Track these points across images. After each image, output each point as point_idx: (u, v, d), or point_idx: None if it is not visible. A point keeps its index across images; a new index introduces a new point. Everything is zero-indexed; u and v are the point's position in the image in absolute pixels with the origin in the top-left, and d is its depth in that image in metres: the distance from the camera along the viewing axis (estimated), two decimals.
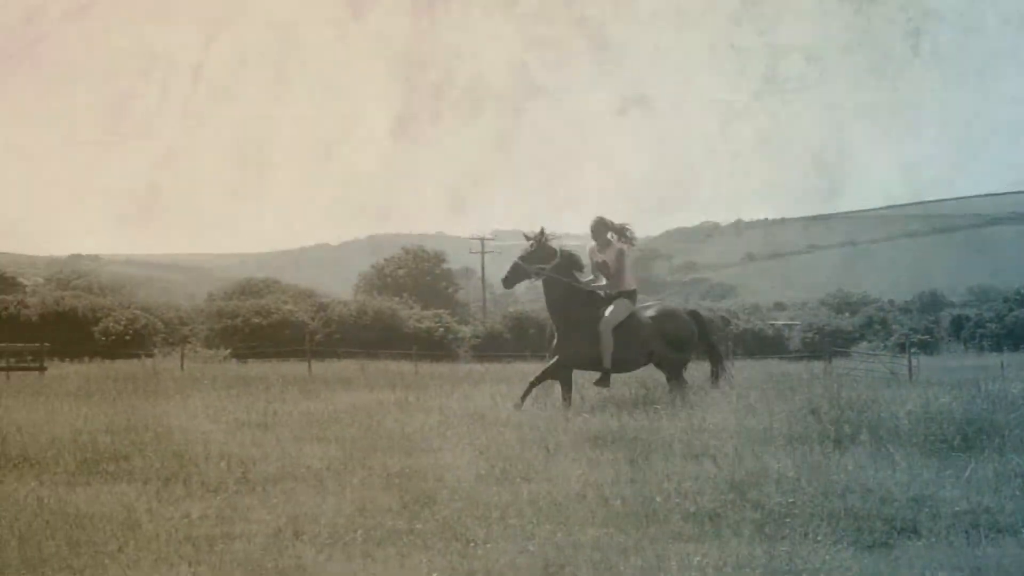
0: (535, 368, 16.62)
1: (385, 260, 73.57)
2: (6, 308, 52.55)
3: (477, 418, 13.37)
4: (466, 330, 59.28)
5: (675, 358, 15.78)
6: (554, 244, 15.74)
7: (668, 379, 15.74)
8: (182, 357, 35.42)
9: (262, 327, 53.23)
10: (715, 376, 16.15)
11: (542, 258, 15.60)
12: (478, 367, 28.22)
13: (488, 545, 7.50)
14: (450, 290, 73.87)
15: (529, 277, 15.78)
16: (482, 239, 73.74)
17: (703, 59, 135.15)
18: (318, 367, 32.43)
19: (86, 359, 39.65)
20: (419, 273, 71.60)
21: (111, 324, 52.10)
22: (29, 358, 37.56)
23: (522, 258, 15.68)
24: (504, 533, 7.83)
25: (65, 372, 31.28)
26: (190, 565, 7.03)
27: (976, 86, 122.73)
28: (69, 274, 76.37)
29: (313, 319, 55.83)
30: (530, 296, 58.11)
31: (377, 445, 11.52)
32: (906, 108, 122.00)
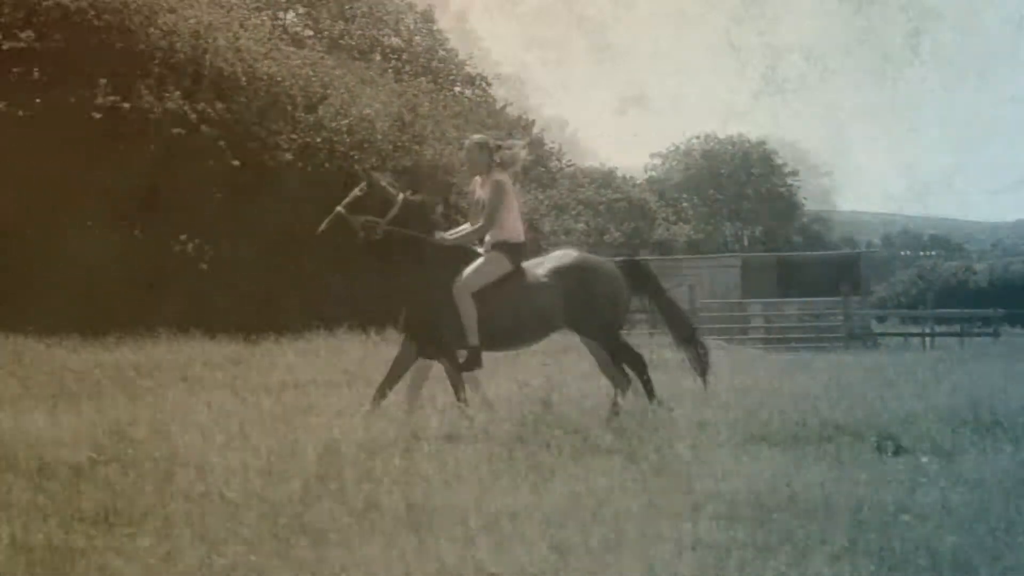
0: None
1: None
2: (955, 274, 53.95)
3: None
4: None
5: (594, 326, 10.99)
6: (393, 189, 10.98)
7: (602, 358, 11.07)
8: None
9: None
10: (681, 343, 11.24)
11: (377, 207, 10.80)
12: None
13: None
14: None
15: (354, 231, 10.71)
16: None
17: (703, 59, 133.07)
18: None
19: None
20: None
21: None
22: (979, 324, 38.71)
23: (346, 206, 10.75)
24: None
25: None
26: None
27: (976, 86, 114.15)
28: (1017, 240, 76.37)
29: None
30: None
31: None
32: (906, 108, 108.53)
